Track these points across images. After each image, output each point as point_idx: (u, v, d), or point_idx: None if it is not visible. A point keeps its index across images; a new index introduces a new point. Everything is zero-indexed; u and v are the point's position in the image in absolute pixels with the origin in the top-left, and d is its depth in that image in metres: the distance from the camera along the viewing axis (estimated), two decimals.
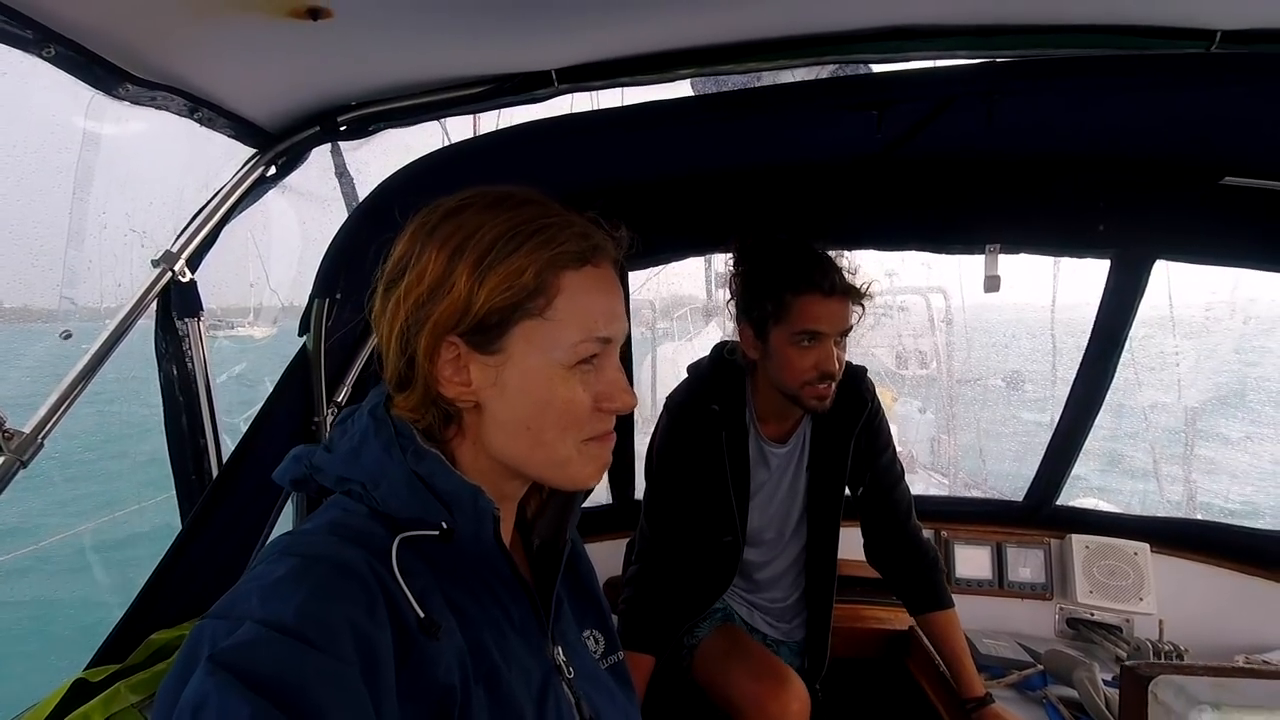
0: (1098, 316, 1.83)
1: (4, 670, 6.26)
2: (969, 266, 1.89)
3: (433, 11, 0.94)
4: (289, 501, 1.29)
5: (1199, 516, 5.23)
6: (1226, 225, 1.64)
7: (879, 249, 1.94)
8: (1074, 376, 1.93)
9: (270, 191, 1.30)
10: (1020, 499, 2.13)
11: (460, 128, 1.49)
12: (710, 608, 1.61)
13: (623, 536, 1.84)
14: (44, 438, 0.96)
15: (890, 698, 1.90)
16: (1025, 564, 2.04)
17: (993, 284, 1.78)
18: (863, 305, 1.42)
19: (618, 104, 1.34)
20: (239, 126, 1.18)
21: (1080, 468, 2.07)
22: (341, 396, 1.36)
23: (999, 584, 2.04)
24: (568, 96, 1.26)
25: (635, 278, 2.11)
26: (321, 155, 1.35)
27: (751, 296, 1.45)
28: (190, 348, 1.23)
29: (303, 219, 1.44)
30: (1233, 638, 1.83)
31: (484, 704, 0.60)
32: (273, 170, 1.27)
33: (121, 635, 1.01)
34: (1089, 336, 1.87)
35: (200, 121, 1.12)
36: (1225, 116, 1.30)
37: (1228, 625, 1.86)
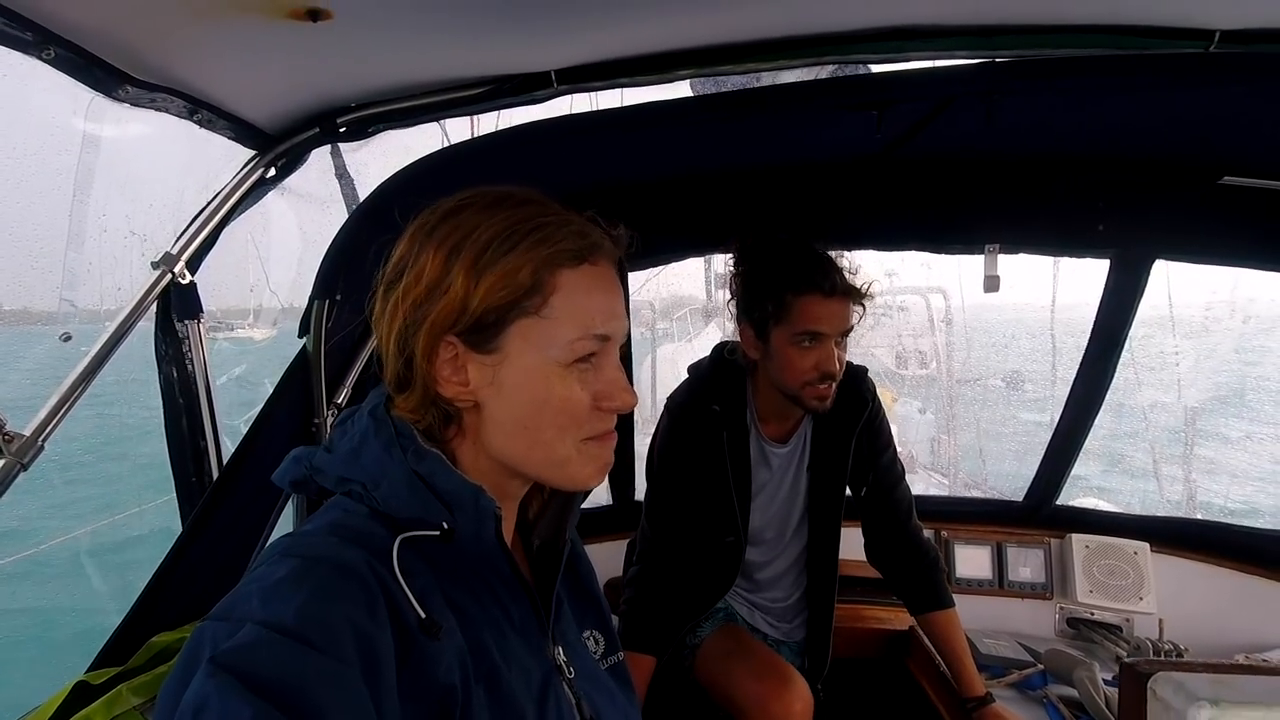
0: (1097, 316, 1.83)
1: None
2: (968, 266, 1.90)
3: (432, 12, 0.94)
4: (289, 503, 1.29)
5: (1199, 516, 5.24)
6: (1226, 225, 1.64)
7: (878, 249, 1.94)
8: (1074, 376, 1.94)
9: (270, 193, 1.30)
10: (1020, 499, 2.13)
11: (459, 129, 1.49)
12: (712, 608, 1.61)
13: (623, 537, 1.84)
14: (44, 440, 0.96)
15: (891, 698, 1.90)
16: (1025, 564, 2.05)
17: (992, 284, 1.78)
18: (863, 305, 1.42)
19: (617, 105, 1.34)
20: (238, 128, 1.18)
21: (1080, 468, 2.07)
22: (341, 398, 1.36)
23: (999, 584, 2.04)
24: (567, 97, 1.26)
25: (635, 278, 2.11)
26: (321, 157, 1.35)
27: (752, 297, 1.45)
28: (190, 350, 1.23)
29: (302, 220, 1.44)
30: (1233, 637, 1.83)
31: (484, 704, 0.60)
32: (272, 172, 1.27)
33: (123, 637, 1.01)
34: (1089, 336, 1.87)
35: (200, 123, 1.12)
36: (1224, 116, 1.30)
37: (1228, 624, 1.86)
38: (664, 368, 6.27)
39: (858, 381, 1.56)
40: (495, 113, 1.32)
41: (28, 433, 0.94)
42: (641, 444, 2.03)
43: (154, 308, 1.17)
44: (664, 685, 1.53)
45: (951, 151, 1.54)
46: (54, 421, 0.98)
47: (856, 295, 1.40)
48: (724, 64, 1.19)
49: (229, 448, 1.26)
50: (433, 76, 1.19)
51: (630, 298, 1.99)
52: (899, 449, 1.67)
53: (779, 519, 1.61)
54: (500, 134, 1.26)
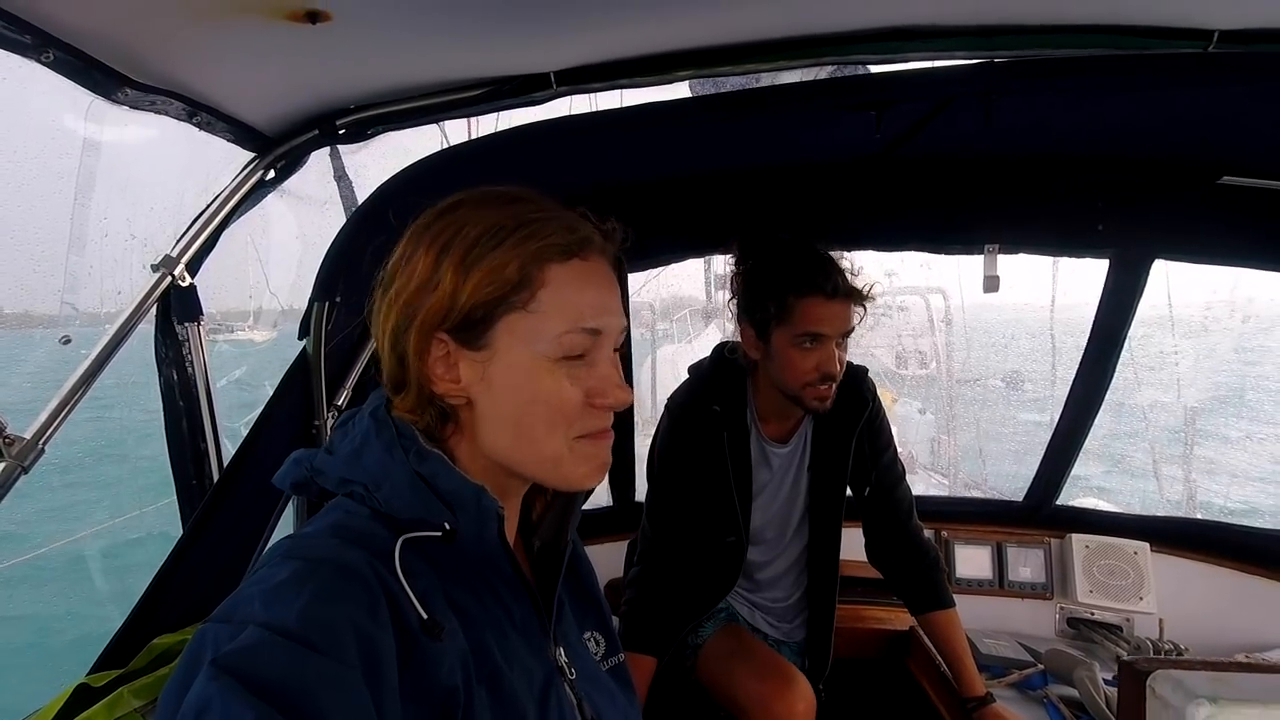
0: (1097, 316, 1.84)
1: None
2: (968, 267, 1.90)
3: (431, 14, 0.95)
4: (289, 505, 1.29)
5: (1199, 516, 5.24)
6: (1225, 225, 1.64)
7: (878, 249, 1.94)
8: (1073, 376, 1.94)
9: (269, 195, 1.30)
10: (1020, 499, 2.13)
11: (458, 130, 1.49)
12: (714, 608, 1.61)
13: (623, 538, 1.84)
14: (45, 443, 0.96)
15: (891, 698, 1.90)
16: (1025, 564, 2.05)
17: (991, 284, 1.78)
18: (864, 307, 1.42)
19: (616, 106, 1.34)
20: (238, 130, 1.18)
21: (1080, 468, 2.07)
22: (341, 400, 1.36)
23: (999, 584, 2.04)
24: (566, 98, 1.26)
25: (634, 279, 2.11)
26: (320, 159, 1.35)
27: (754, 297, 1.45)
28: (190, 352, 1.23)
29: (302, 223, 1.44)
30: (1233, 637, 1.83)
31: (486, 704, 0.60)
32: (272, 174, 1.27)
33: (123, 640, 1.00)
34: (1088, 336, 1.87)
35: (199, 126, 1.12)
36: (1223, 116, 1.30)
37: (1228, 624, 1.86)
38: (664, 369, 6.27)
39: (858, 382, 1.56)
40: (495, 114, 1.32)
41: (29, 436, 0.94)
42: (642, 445, 2.03)
43: (154, 310, 1.17)
44: (665, 686, 1.53)
45: (951, 152, 1.54)
46: (54, 424, 0.98)
47: (858, 297, 1.40)
48: (723, 65, 1.20)
49: (229, 450, 1.26)
50: (432, 78, 1.19)
51: (630, 299, 2.00)
52: (899, 449, 1.67)
53: (779, 519, 1.61)
54: (500, 135, 1.26)
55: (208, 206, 1.20)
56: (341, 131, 1.25)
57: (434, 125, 1.34)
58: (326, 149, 1.32)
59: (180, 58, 0.97)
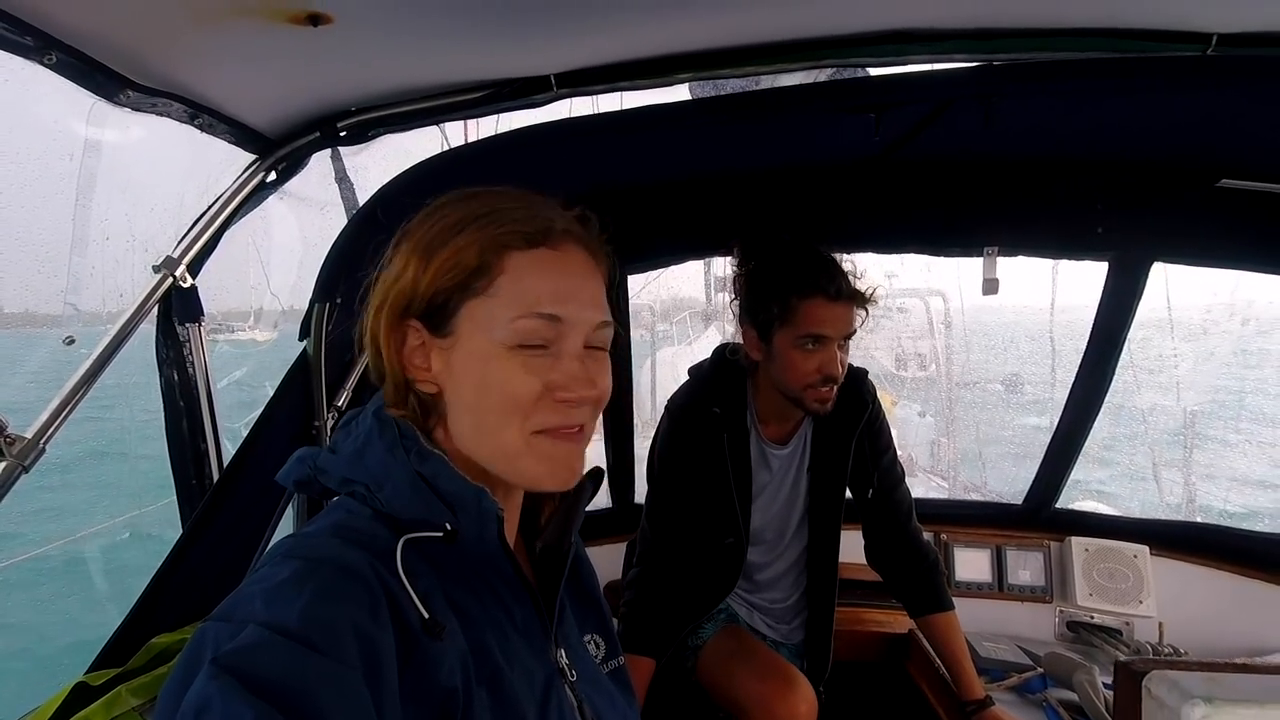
0: (1096, 319, 1.84)
1: None
2: (968, 269, 1.90)
3: (432, 17, 0.95)
4: (289, 505, 1.29)
5: (1199, 519, 5.23)
6: (1223, 227, 1.64)
7: (878, 252, 1.95)
8: (1073, 379, 1.94)
9: (270, 197, 1.31)
10: (1020, 502, 2.13)
11: (458, 132, 1.50)
12: (713, 609, 1.61)
13: (622, 540, 1.84)
14: (46, 442, 0.97)
15: (890, 701, 1.90)
16: (1025, 567, 2.05)
17: (991, 286, 1.78)
18: (866, 309, 1.43)
19: (616, 108, 1.35)
20: (239, 132, 1.18)
21: (1079, 472, 2.07)
22: (341, 401, 1.36)
23: (999, 587, 2.04)
24: (566, 101, 1.27)
25: (634, 281, 2.11)
26: (321, 160, 1.35)
27: (756, 298, 1.45)
28: (191, 353, 1.23)
29: (303, 224, 1.45)
30: (1233, 640, 1.83)
31: (486, 706, 0.60)
32: (273, 176, 1.28)
33: (122, 639, 1.01)
34: (1087, 339, 1.87)
35: (201, 128, 1.13)
36: (1222, 119, 1.31)
37: (1228, 628, 1.86)
38: (663, 370, 6.27)
39: (858, 384, 1.56)
40: (495, 116, 1.33)
41: (30, 435, 0.94)
42: (641, 447, 2.03)
43: (155, 311, 1.18)
44: (665, 687, 1.53)
45: (950, 154, 1.55)
46: (55, 424, 0.98)
47: (861, 299, 1.40)
48: (723, 68, 1.20)
49: (229, 450, 1.26)
50: (433, 80, 1.20)
51: (630, 300, 2.00)
52: (899, 452, 1.67)
53: (779, 520, 1.61)
54: (500, 137, 1.27)
55: (209, 208, 1.21)
56: (342, 134, 1.25)
57: (434, 127, 1.35)
58: (327, 151, 1.33)
59: (182, 60, 0.97)
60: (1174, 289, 5.99)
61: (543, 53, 1.15)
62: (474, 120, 1.43)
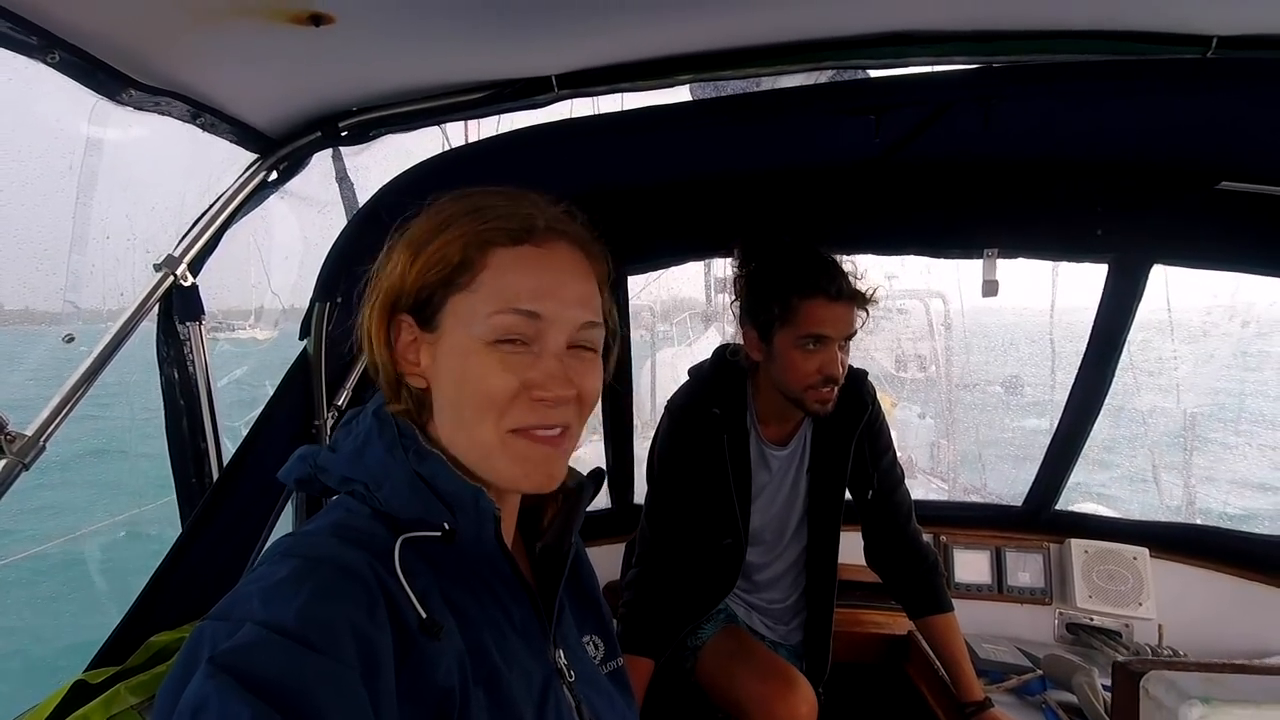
0: (1096, 321, 1.84)
1: None
2: (968, 270, 1.90)
3: (433, 17, 0.95)
4: (289, 504, 1.29)
5: (1198, 521, 5.24)
6: (1223, 230, 1.64)
7: (878, 253, 1.95)
8: (1073, 381, 1.94)
9: (271, 196, 1.31)
10: (1019, 504, 2.13)
11: (460, 133, 1.50)
12: (712, 610, 1.61)
13: (622, 541, 1.84)
14: (46, 440, 0.97)
15: (889, 703, 1.90)
16: (1024, 569, 2.05)
17: (990, 288, 1.78)
18: (867, 310, 1.43)
19: (617, 109, 1.35)
20: (241, 132, 1.18)
21: (1079, 474, 2.08)
22: (341, 400, 1.36)
23: (998, 589, 2.04)
24: (567, 102, 1.27)
25: (634, 282, 2.11)
26: (322, 160, 1.35)
27: (757, 299, 1.45)
28: (191, 351, 1.23)
29: (303, 223, 1.45)
30: (1233, 642, 1.83)
31: (484, 706, 0.60)
32: (274, 175, 1.28)
33: (121, 637, 1.01)
34: (1087, 341, 1.87)
35: (202, 127, 1.13)
36: (1222, 121, 1.31)
37: (1227, 630, 1.86)
38: (663, 371, 6.27)
39: (858, 385, 1.56)
40: (496, 117, 1.33)
41: (30, 433, 0.95)
42: (641, 447, 2.03)
43: (156, 309, 1.18)
44: (664, 687, 1.53)
45: (950, 156, 1.55)
46: (56, 422, 0.99)
47: (861, 300, 1.41)
48: (724, 69, 1.20)
49: (229, 449, 1.27)
50: (434, 81, 1.20)
51: (630, 301, 2.00)
52: (899, 454, 1.67)
53: (778, 521, 1.61)
54: (500, 137, 1.27)
55: (210, 207, 1.21)
56: (344, 133, 1.25)
57: (435, 128, 1.35)
58: (328, 151, 1.33)
59: (184, 59, 0.97)
60: (1174, 291, 6.01)
61: (544, 53, 1.15)
62: (475, 121, 1.43)
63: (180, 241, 1.18)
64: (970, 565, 2.07)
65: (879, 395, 1.62)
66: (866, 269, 1.45)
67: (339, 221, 1.33)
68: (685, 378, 1.65)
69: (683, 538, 1.54)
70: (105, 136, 1.06)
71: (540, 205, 0.68)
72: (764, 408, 1.56)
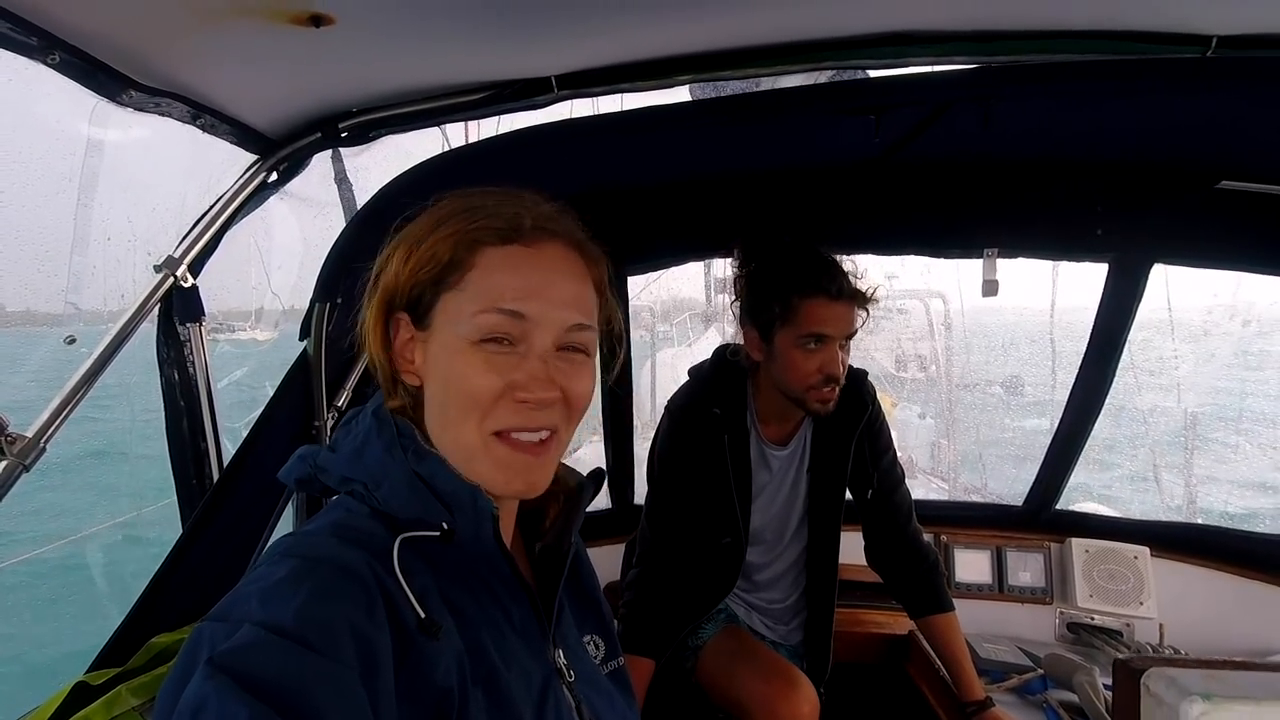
0: (1096, 320, 1.84)
1: None
2: (968, 270, 1.90)
3: (433, 18, 0.95)
4: (289, 504, 1.29)
5: (1199, 521, 5.23)
6: (1223, 229, 1.64)
7: (878, 253, 1.95)
8: (1073, 381, 1.94)
9: (272, 197, 1.31)
10: (1020, 503, 2.13)
11: (460, 134, 1.50)
12: (713, 610, 1.61)
13: (622, 541, 1.84)
14: (47, 441, 0.97)
15: (890, 702, 1.90)
16: (1025, 568, 2.05)
17: (990, 288, 1.78)
18: (867, 310, 1.43)
19: (617, 109, 1.35)
20: (241, 133, 1.18)
21: (1080, 475, 2.07)
22: (342, 401, 1.36)
23: (999, 588, 2.04)
24: (567, 102, 1.27)
25: (635, 282, 2.11)
26: (322, 161, 1.35)
27: (758, 299, 1.45)
28: (192, 352, 1.24)
29: (303, 224, 1.45)
30: (1234, 642, 1.83)
31: (482, 706, 0.60)
32: (274, 176, 1.28)
33: (123, 638, 1.01)
34: (1087, 340, 1.87)
35: (203, 128, 1.13)
36: (1222, 121, 1.31)
37: (1229, 629, 1.86)
38: (663, 372, 6.27)
39: (858, 385, 1.56)
40: (495, 118, 1.33)
41: (30, 434, 0.95)
42: (641, 448, 2.03)
43: (156, 310, 1.18)
44: (664, 687, 1.53)
45: (950, 156, 1.55)
46: (56, 423, 0.99)
47: (862, 299, 1.41)
48: (723, 69, 1.20)
49: (229, 450, 1.27)
50: (434, 81, 1.20)
51: (630, 302, 2.00)
52: (899, 454, 1.67)
53: (778, 521, 1.61)
54: (500, 138, 1.27)
55: (210, 208, 1.21)
56: (343, 134, 1.25)
57: (435, 129, 1.35)
58: (328, 151, 1.33)
59: (184, 60, 0.97)
60: (1174, 290, 6.00)
61: (544, 54, 1.15)
62: (475, 122, 1.43)
63: (180, 242, 1.18)
64: (971, 565, 2.07)
65: (879, 395, 1.62)
66: (866, 269, 1.45)
67: (339, 222, 1.33)
68: (685, 378, 1.65)
69: (683, 538, 1.54)
70: (106, 137, 1.06)
71: (531, 205, 0.68)
72: (764, 407, 1.56)
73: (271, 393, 1.29)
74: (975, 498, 6.06)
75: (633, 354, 2.24)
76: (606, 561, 1.84)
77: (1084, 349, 1.89)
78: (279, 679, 0.47)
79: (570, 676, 0.73)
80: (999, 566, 2.05)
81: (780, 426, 1.58)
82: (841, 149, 1.49)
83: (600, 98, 1.31)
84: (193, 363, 1.24)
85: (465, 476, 0.65)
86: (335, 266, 1.27)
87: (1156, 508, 7.18)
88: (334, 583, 0.54)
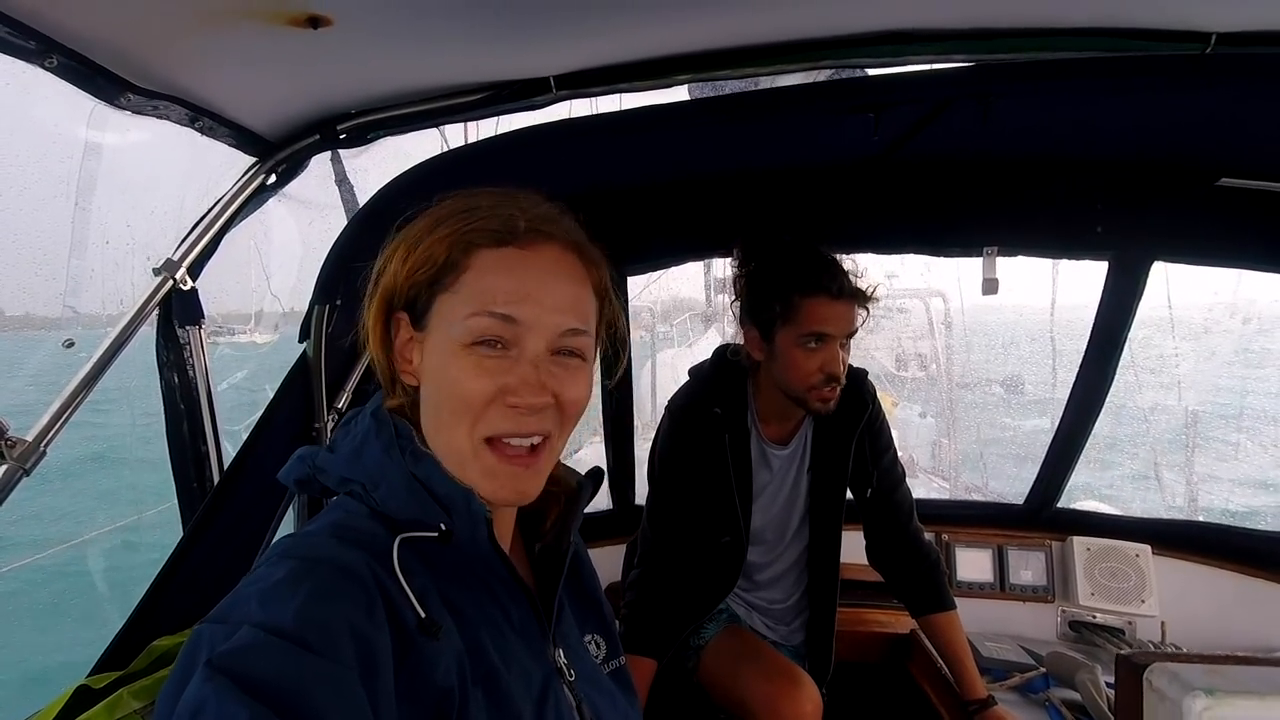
0: (1096, 318, 1.84)
1: None
2: (968, 269, 1.90)
3: (431, 19, 0.95)
4: (290, 506, 1.29)
5: (1200, 519, 5.23)
6: (1223, 226, 1.64)
7: (877, 252, 1.95)
8: (1074, 379, 1.94)
9: (270, 199, 1.31)
10: (1021, 502, 2.13)
11: (459, 135, 1.50)
12: (714, 610, 1.61)
13: (623, 541, 1.84)
14: (47, 445, 0.97)
15: (892, 701, 1.90)
16: (1027, 566, 2.04)
17: (990, 286, 1.78)
18: (868, 309, 1.43)
19: (616, 109, 1.35)
20: (239, 135, 1.18)
21: (1081, 475, 2.07)
22: (342, 402, 1.36)
23: (1000, 587, 2.04)
24: (566, 103, 1.27)
25: (634, 283, 2.11)
26: (321, 163, 1.35)
27: (759, 298, 1.45)
28: (191, 355, 1.23)
29: (302, 226, 1.45)
30: (1236, 639, 1.83)
31: (482, 705, 0.60)
32: (273, 178, 1.28)
33: (124, 642, 1.01)
34: (1088, 338, 1.87)
35: (201, 130, 1.13)
36: (1221, 118, 1.31)
37: (1230, 627, 1.86)
38: (663, 372, 6.27)
39: (858, 384, 1.56)
40: (494, 119, 1.33)
41: (30, 438, 0.94)
42: (641, 448, 2.03)
43: (155, 314, 1.18)
44: (666, 687, 1.53)
45: (949, 154, 1.55)
46: (56, 426, 0.98)
47: (863, 298, 1.41)
48: (722, 69, 1.20)
49: (230, 453, 1.26)
50: (433, 82, 1.20)
51: (629, 302, 2.00)
52: (900, 453, 1.67)
53: (779, 520, 1.61)
54: (499, 138, 1.27)
55: (209, 210, 1.21)
56: (342, 136, 1.25)
57: (434, 129, 1.35)
58: (327, 153, 1.33)
59: (182, 63, 0.97)
60: (1175, 288, 5.99)
61: (542, 54, 1.15)
62: (473, 123, 1.43)
63: (179, 245, 1.18)
64: (972, 563, 2.07)
65: (880, 395, 1.62)
66: (866, 267, 1.45)
67: (338, 224, 1.33)
68: (685, 378, 1.64)
69: (684, 538, 1.54)
70: (104, 141, 1.06)
71: (528, 206, 0.67)
72: (765, 407, 1.55)
73: (271, 395, 1.29)
74: (976, 496, 6.06)
75: (633, 354, 2.24)
76: (608, 562, 1.84)
77: (1084, 347, 1.89)
78: (278, 680, 0.47)
79: (571, 676, 0.72)
80: (1000, 565, 2.05)
81: (781, 426, 1.58)
82: (841, 147, 1.49)
83: (599, 98, 1.31)
84: (192, 366, 1.24)
85: (459, 479, 0.64)
86: (334, 268, 1.27)
87: (1158, 506, 7.18)
88: (333, 583, 0.54)
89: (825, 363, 1.39)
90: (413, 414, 0.69)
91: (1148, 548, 1.95)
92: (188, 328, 1.22)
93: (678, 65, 1.20)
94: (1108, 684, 1.54)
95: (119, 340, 1.09)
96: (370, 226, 1.24)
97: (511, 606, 0.69)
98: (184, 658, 0.50)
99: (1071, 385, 1.94)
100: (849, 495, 1.61)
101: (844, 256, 1.45)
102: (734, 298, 1.54)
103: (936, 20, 1.12)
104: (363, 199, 1.39)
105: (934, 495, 5.52)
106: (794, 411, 1.53)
